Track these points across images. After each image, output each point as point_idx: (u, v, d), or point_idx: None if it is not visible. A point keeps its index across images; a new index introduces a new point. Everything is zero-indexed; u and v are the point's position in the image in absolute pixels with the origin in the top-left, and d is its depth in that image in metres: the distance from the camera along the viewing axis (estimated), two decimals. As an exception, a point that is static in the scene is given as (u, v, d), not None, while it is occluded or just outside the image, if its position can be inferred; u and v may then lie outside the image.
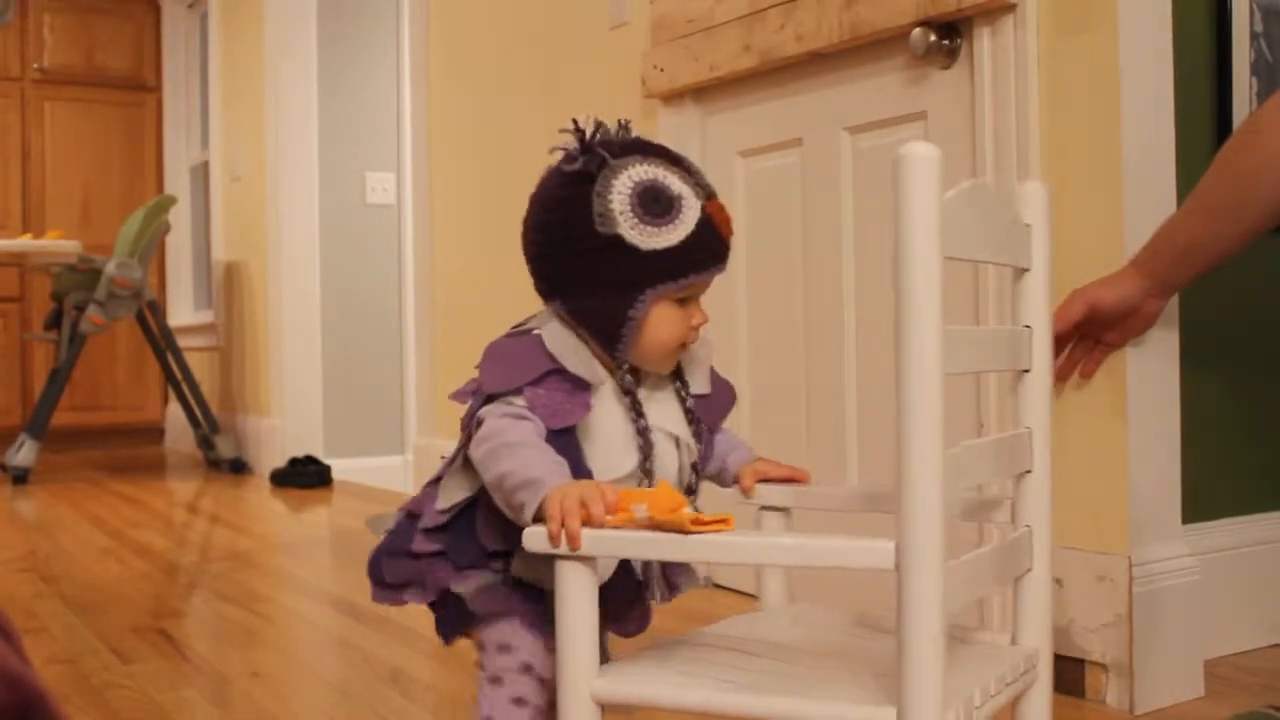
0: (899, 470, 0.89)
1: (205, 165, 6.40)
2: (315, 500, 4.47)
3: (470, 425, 1.14)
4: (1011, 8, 1.96)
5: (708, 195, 1.14)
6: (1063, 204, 1.91)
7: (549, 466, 1.05)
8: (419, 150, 4.04)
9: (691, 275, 1.13)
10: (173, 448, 6.60)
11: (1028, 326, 1.14)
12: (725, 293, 2.62)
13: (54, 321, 5.37)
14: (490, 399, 1.13)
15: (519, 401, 1.11)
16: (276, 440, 5.17)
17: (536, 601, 1.14)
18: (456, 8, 3.81)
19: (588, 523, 0.99)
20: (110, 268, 5.17)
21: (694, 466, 1.22)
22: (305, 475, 4.84)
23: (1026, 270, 1.14)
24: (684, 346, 1.18)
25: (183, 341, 5.85)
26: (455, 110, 3.83)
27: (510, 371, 1.13)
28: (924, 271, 0.89)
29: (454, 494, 1.17)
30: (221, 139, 5.96)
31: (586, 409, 1.12)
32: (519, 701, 1.15)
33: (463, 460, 1.16)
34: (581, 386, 1.12)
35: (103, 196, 6.67)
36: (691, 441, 1.21)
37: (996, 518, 1.18)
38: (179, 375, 5.49)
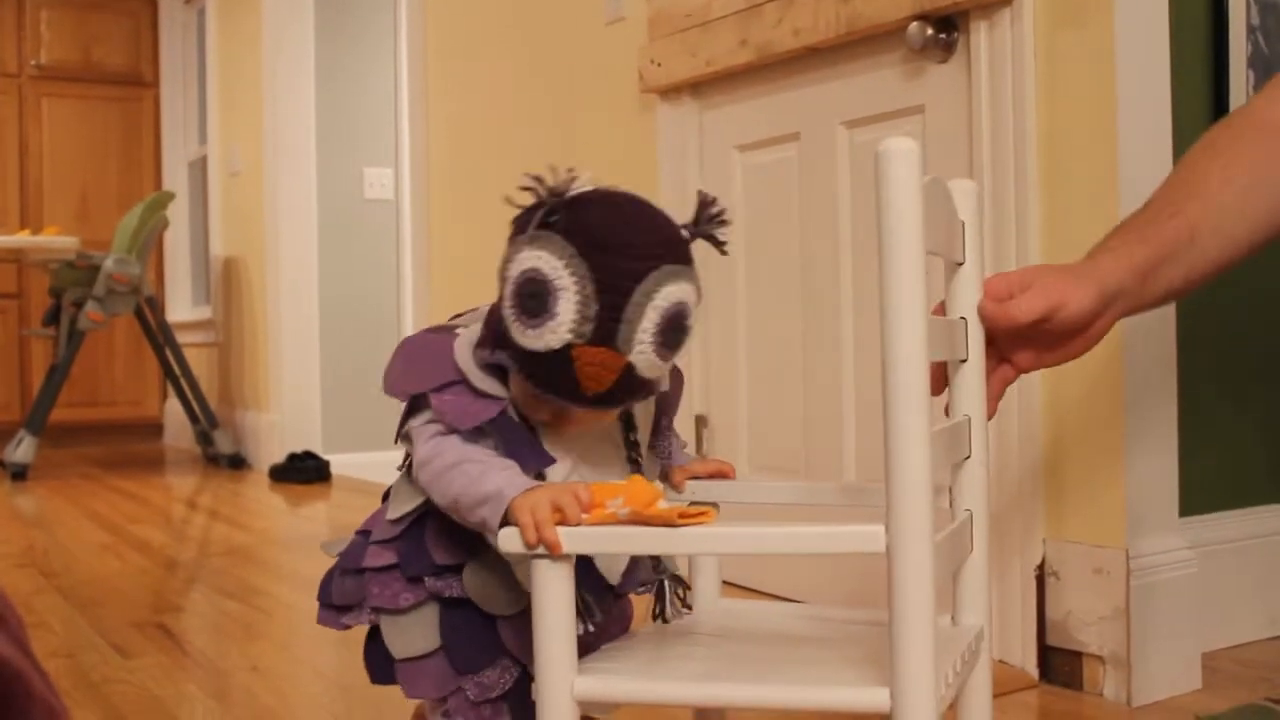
0: (886, 455, 0.90)
1: (203, 161, 6.40)
2: (314, 495, 4.47)
3: (401, 434, 1.10)
4: (1008, 1, 1.96)
5: (594, 340, 0.97)
6: (1058, 197, 1.92)
7: (500, 477, 1.00)
8: (417, 145, 4.04)
9: (531, 382, 1.02)
10: (171, 443, 6.60)
11: (963, 318, 1.16)
12: (724, 286, 2.62)
13: (52, 318, 5.37)
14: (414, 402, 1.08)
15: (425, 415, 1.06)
16: (275, 435, 5.17)
17: (465, 641, 1.10)
18: (453, 2, 3.81)
19: (564, 524, 0.95)
20: (108, 264, 5.17)
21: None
22: (304, 470, 4.84)
23: (961, 264, 1.16)
24: (555, 431, 1.07)
25: (181, 337, 5.85)
26: (453, 105, 3.83)
27: (413, 376, 1.07)
28: (909, 262, 0.90)
29: (404, 503, 1.12)
30: (219, 134, 5.96)
31: (500, 407, 1.04)
32: None
33: (409, 469, 1.11)
34: (486, 395, 1.05)
35: (100, 192, 6.67)
36: (620, 453, 1.13)
37: (938, 504, 1.18)
38: (177, 371, 5.49)
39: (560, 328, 0.96)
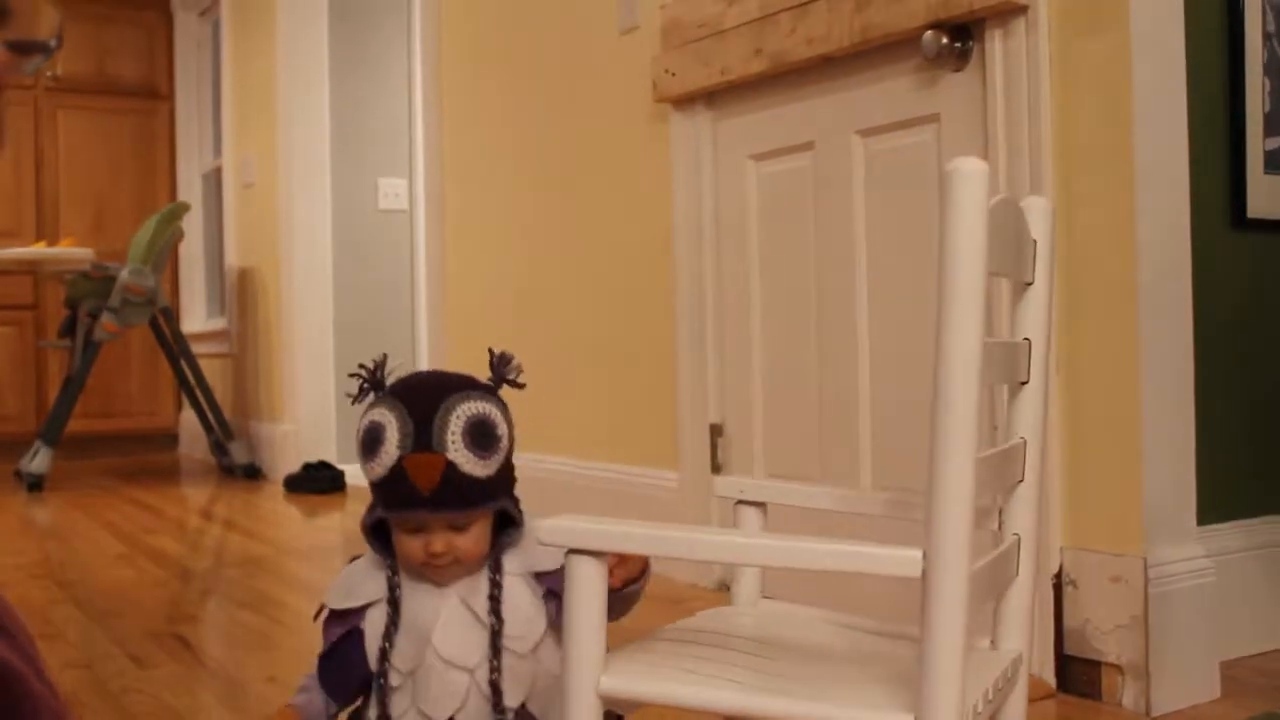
0: (930, 479, 0.89)
1: (218, 172, 6.42)
2: (329, 505, 4.48)
3: None
4: (1023, 10, 1.96)
5: (416, 449, 1.24)
6: (1074, 207, 1.91)
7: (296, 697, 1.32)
8: (431, 155, 4.05)
9: (390, 510, 1.27)
10: (186, 454, 6.62)
11: (1027, 339, 1.14)
12: (738, 295, 2.62)
13: (68, 329, 5.39)
14: None
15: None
16: (290, 446, 5.18)
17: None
18: (467, 13, 3.82)
19: None
20: (124, 275, 5.19)
21: (493, 639, 1.27)
22: (319, 480, 4.84)
23: (1030, 284, 1.14)
24: (432, 568, 1.27)
25: (196, 348, 5.86)
26: (467, 115, 3.83)
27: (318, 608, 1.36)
28: (968, 285, 0.88)
29: None
30: (233, 146, 5.98)
31: (343, 629, 1.29)
32: None
33: None
34: (348, 614, 1.30)
35: (116, 204, 6.69)
36: (475, 659, 1.26)
37: (987, 526, 1.17)
38: (192, 381, 5.50)
39: (390, 448, 1.23)
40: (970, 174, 0.89)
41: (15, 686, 0.53)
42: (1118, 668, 1.83)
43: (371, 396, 1.29)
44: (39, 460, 5.07)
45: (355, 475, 4.96)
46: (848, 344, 2.36)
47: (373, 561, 1.32)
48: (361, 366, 1.30)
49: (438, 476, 1.23)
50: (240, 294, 5.89)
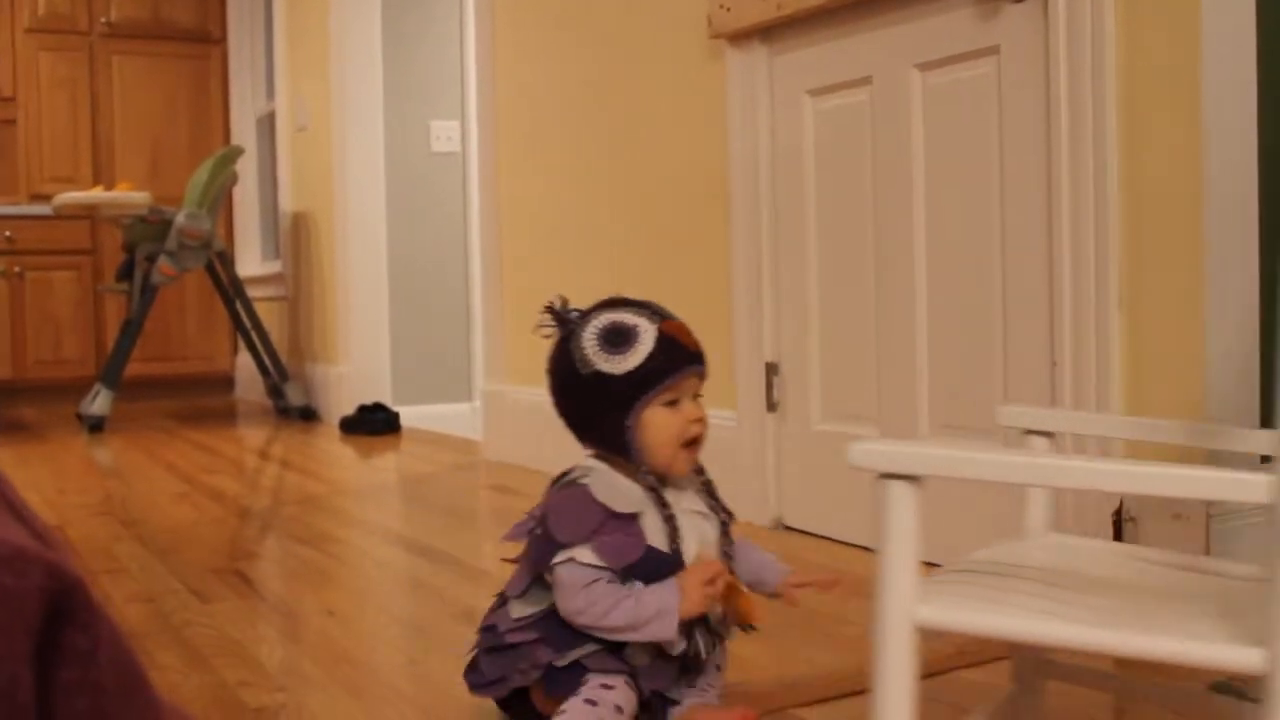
0: None
1: (271, 116, 6.43)
2: (384, 446, 4.51)
3: (537, 564, 1.39)
4: (1088, -64, 1.92)
5: (662, 319, 1.41)
6: (1138, 138, 1.88)
7: (653, 597, 1.33)
8: (484, 98, 4.04)
9: (663, 381, 1.38)
10: (243, 396, 6.69)
11: None
12: (795, 232, 2.60)
13: (126, 273, 5.44)
14: (556, 546, 1.37)
15: (585, 553, 1.35)
16: (345, 388, 5.22)
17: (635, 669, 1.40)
18: (519, -48, 3.79)
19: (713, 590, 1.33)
20: (180, 219, 5.23)
21: (724, 530, 1.47)
22: (374, 422, 4.88)
23: None
24: (692, 442, 1.40)
25: (251, 291, 5.90)
26: (519, 57, 3.81)
27: (576, 525, 1.37)
28: None
29: (526, 609, 1.41)
30: (287, 89, 5.99)
31: (643, 541, 1.37)
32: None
33: (530, 584, 1.41)
34: (632, 519, 1.37)
35: (171, 148, 6.73)
36: (711, 514, 1.46)
37: None
38: (248, 325, 5.55)
39: (646, 326, 1.39)
40: None
41: (77, 595, 0.53)
42: None
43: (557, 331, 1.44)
44: (99, 402, 5.15)
45: (410, 417, 5.00)
46: (905, 282, 2.33)
47: (611, 482, 1.40)
48: (549, 307, 1.44)
49: (695, 336, 1.41)
50: (295, 237, 5.93)
